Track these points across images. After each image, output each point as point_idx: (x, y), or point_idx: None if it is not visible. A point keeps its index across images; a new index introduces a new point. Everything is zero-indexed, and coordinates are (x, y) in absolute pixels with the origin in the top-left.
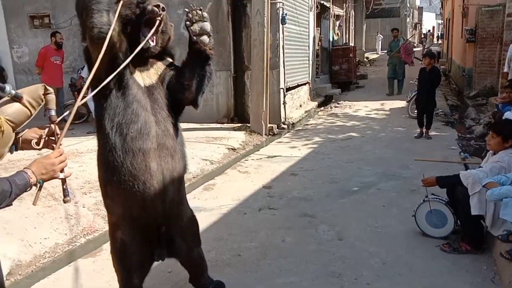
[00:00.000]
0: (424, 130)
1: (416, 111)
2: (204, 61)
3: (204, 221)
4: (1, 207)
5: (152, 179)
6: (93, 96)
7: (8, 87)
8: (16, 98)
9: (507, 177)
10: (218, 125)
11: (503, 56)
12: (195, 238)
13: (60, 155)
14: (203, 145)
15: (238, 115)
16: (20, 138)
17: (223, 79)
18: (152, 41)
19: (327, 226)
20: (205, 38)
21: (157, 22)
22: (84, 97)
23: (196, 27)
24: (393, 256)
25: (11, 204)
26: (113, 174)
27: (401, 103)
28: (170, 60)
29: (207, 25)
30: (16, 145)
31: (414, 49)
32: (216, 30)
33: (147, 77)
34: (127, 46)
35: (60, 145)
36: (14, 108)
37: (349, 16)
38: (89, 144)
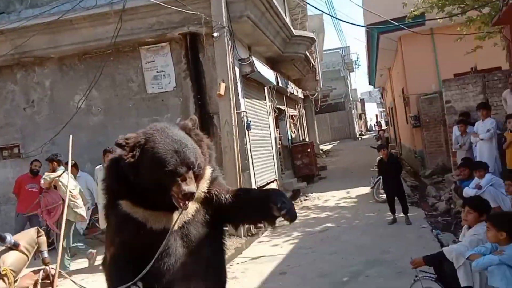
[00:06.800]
0: (397, 216)
1: (381, 195)
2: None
3: None
4: None
5: None
6: None
7: (8, 237)
8: (14, 247)
9: (486, 247)
10: None
11: (449, 137)
12: None
13: None
14: None
15: None
16: None
17: None
18: (184, 205)
19: None
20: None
21: (183, 208)
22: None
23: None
24: None
25: None
26: None
27: (366, 189)
28: (207, 179)
29: None
30: None
31: None
32: None
33: (183, 213)
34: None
35: (57, 286)
36: (14, 257)
37: (302, 115)
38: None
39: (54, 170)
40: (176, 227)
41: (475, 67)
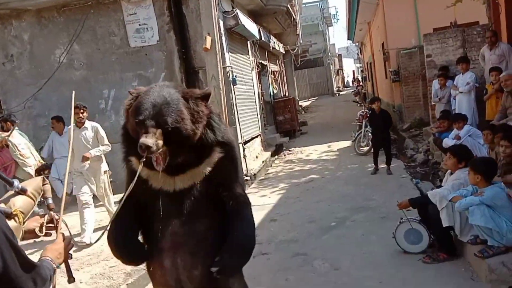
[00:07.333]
0: (379, 167)
1: (362, 148)
2: None
3: None
4: None
5: (167, 274)
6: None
7: (16, 182)
8: (22, 192)
9: (467, 190)
10: None
11: (429, 91)
12: None
13: (64, 238)
14: None
15: None
16: (23, 229)
17: None
18: (158, 165)
19: (321, 260)
20: None
21: (141, 163)
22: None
23: None
24: (386, 275)
25: None
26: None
27: (346, 143)
28: (216, 157)
29: None
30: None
31: None
32: None
33: (180, 181)
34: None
35: (60, 229)
36: (22, 201)
37: (282, 71)
38: None
39: (8, 130)
40: (171, 188)
41: (455, 22)
